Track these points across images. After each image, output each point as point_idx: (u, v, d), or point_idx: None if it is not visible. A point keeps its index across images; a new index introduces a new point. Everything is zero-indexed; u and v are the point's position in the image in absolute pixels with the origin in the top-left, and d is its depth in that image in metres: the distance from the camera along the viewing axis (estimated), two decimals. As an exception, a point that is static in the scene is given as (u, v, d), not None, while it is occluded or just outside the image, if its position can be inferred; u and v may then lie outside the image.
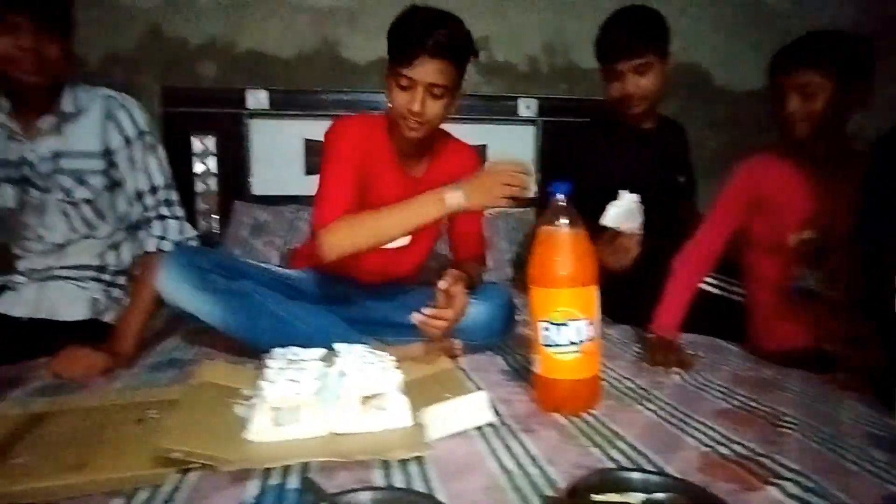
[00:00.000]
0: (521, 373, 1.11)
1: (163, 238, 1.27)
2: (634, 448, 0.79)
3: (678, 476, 0.68)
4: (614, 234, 1.32)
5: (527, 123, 2.53)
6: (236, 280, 1.18)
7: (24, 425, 0.82)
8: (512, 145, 2.53)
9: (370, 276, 1.39)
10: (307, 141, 2.28)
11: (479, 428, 0.84)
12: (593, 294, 0.91)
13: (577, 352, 0.88)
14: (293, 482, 0.69)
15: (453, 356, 1.16)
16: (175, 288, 1.14)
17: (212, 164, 2.27)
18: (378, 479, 0.70)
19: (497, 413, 0.88)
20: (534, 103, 2.51)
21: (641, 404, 0.95)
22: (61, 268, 1.26)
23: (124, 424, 0.82)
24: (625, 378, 1.09)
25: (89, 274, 1.28)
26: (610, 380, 1.06)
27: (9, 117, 1.22)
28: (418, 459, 0.74)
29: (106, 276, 1.30)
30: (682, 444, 0.80)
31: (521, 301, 1.35)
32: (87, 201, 1.25)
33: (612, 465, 0.74)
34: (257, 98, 2.26)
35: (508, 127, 2.53)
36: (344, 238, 1.15)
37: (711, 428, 0.85)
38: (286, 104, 2.26)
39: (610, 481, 0.64)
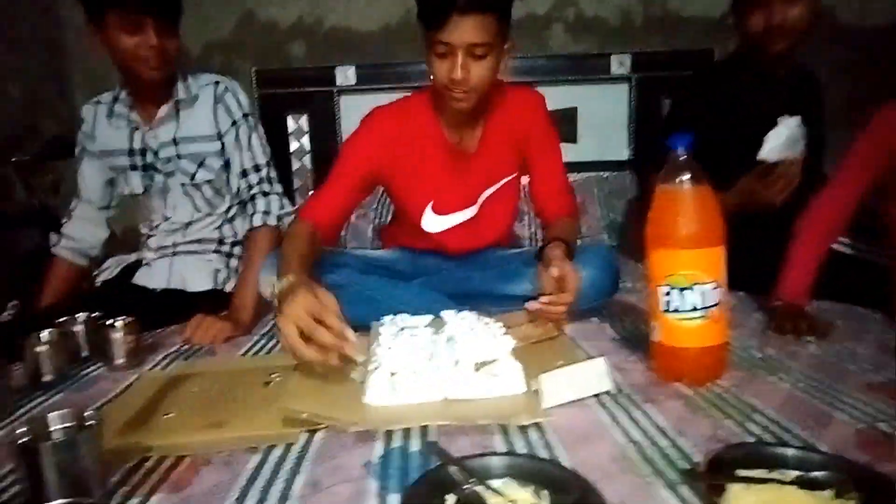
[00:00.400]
0: (633, 340, 1.06)
1: (266, 213, 1.34)
2: (775, 422, 0.72)
3: (835, 453, 0.61)
4: (768, 166, 1.22)
5: (620, 81, 2.39)
6: (332, 272, 1.18)
7: (165, 386, 0.90)
8: (604, 106, 2.41)
9: (460, 250, 1.36)
10: (395, 114, 2.30)
11: (596, 396, 0.81)
12: (720, 255, 0.83)
13: (702, 318, 0.82)
14: (415, 445, 0.69)
15: (560, 324, 1.12)
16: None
17: (305, 141, 2.35)
18: (498, 444, 0.69)
19: (614, 382, 0.84)
20: (627, 59, 2.35)
21: (775, 375, 0.87)
22: (186, 243, 1.36)
23: (252, 387, 0.87)
24: (751, 347, 1.00)
25: (211, 247, 1.38)
26: (735, 349, 0.98)
27: (130, 110, 1.32)
28: (538, 426, 0.72)
29: (225, 248, 1.40)
30: (831, 419, 0.72)
31: (624, 267, 1.29)
32: (208, 182, 1.33)
33: (750, 439, 0.68)
34: (346, 74, 2.29)
35: (600, 86, 2.40)
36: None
37: (865, 402, 0.76)
38: (373, 79, 2.28)
39: (757, 456, 0.58)
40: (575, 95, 2.38)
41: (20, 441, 0.55)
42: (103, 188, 1.42)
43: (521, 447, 0.68)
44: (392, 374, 0.80)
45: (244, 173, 1.35)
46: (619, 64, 2.35)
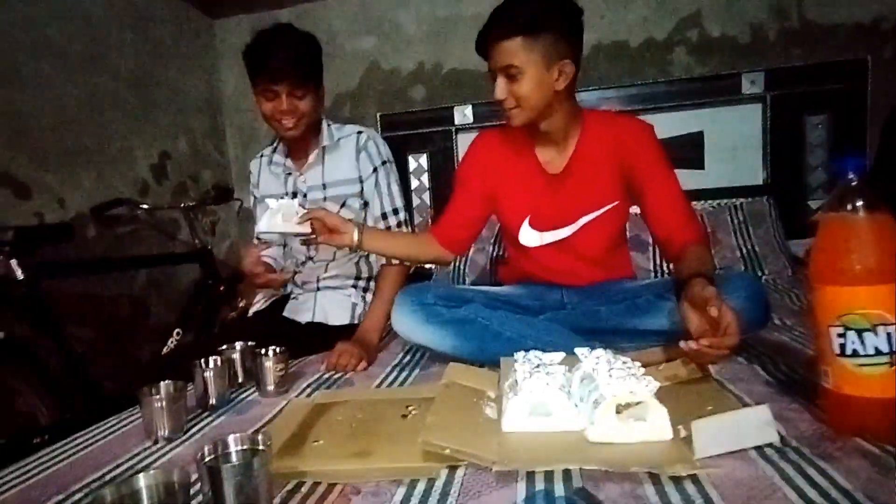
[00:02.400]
0: (791, 385, 0.95)
1: None
2: None
3: None
4: None
5: (752, 101, 2.23)
6: (460, 307, 1.22)
7: (312, 414, 0.96)
8: (734, 128, 2.26)
9: (564, 276, 1.35)
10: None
11: (756, 448, 0.73)
12: (907, 291, 0.72)
13: (888, 364, 0.71)
14: (560, 489, 0.67)
15: (703, 363, 1.03)
16: (407, 326, 1.22)
17: (425, 179, 2.46)
18: (650, 495, 0.65)
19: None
20: (760, 77, 2.19)
21: None
22: (327, 278, 1.48)
23: (392, 419, 0.91)
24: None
25: (349, 282, 1.49)
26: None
27: (285, 157, 1.49)
28: (694, 478, 0.67)
29: (361, 283, 1.51)
30: None
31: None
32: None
33: (967, 512, 0.57)
34: (463, 113, 2.38)
35: (728, 108, 2.26)
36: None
37: None
38: (490, 115, 2.34)
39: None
40: (700, 120, 2.26)
41: (205, 461, 0.61)
42: None
43: (676, 500, 0.63)
44: (530, 400, 0.79)
45: (384, 216, 1.46)
46: (751, 83, 2.20)
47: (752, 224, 2.07)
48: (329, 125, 1.47)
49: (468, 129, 2.38)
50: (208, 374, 1.05)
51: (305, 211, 1.19)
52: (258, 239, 1.56)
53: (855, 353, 0.72)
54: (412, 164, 2.46)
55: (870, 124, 2.09)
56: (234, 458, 0.63)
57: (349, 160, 1.44)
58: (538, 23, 1.13)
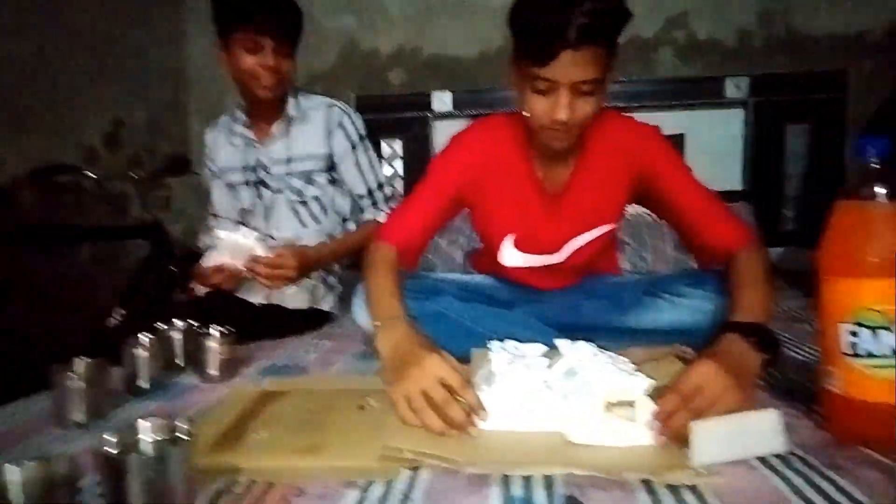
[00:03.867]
0: (785, 390, 0.88)
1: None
2: None
3: None
4: None
5: (734, 106, 2.20)
6: (429, 299, 1.08)
7: (257, 403, 0.84)
8: (715, 133, 2.22)
9: (543, 286, 1.23)
10: (490, 139, 2.24)
11: (759, 458, 0.65)
12: (927, 288, 0.66)
13: (903, 366, 0.64)
14: (540, 496, 0.57)
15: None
16: (370, 318, 1.01)
17: (398, 165, 2.34)
18: (644, 506, 0.56)
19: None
20: (744, 82, 2.16)
21: None
22: None
23: (347, 410, 0.79)
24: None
25: None
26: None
27: (246, 128, 1.37)
28: (693, 488, 0.58)
29: None
30: None
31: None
32: (315, 197, 1.35)
33: None
34: (442, 100, 2.28)
35: (710, 112, 2.23)
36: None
37: None
38: (469, 104, 2.25)
39: None
40: (681, 121, 2.22)
41: (105, 451, 0.49)
42: (233, 205, 1.46)
43: (674, 513, 0.54)
44: (507, 395, 0.70)
45: (370, 193, 1.40)
46: (736, 87, 2.17)
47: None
48: (296, 95, 1.36)
49: (447, 117, 2.28)
50: (139, 353, 0.92)
51: (252, 245, 1.21)
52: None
53: (869, 354, 0.65)
54: (386, 149, 2.34)
55: (848, 136, 2.09)
56: (144, 448, 0.51)
57: (317, 134, 1.34)
58: (620, 26, 0.90)
